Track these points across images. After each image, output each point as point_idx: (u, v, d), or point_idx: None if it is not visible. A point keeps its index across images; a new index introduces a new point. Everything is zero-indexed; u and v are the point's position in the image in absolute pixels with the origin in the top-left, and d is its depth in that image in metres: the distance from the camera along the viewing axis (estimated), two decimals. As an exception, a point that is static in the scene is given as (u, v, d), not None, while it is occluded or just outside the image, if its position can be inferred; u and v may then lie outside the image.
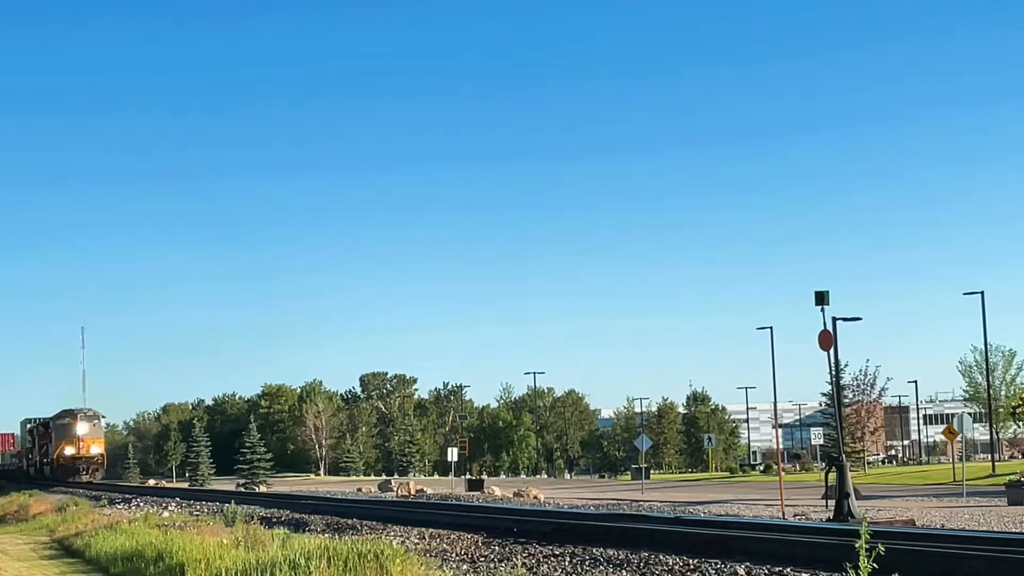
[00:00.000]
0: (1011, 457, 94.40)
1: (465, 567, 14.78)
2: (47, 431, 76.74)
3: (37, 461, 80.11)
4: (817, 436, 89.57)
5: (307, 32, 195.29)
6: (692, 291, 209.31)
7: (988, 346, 78.80)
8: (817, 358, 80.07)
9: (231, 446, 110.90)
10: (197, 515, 28.44)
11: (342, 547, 13.63)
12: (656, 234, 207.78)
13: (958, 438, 51.34)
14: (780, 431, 59.77)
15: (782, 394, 74.69)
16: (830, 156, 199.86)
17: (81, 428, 73.01)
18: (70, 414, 74.44)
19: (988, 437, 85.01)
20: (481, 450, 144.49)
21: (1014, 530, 26.23)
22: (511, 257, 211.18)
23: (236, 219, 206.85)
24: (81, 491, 50.66)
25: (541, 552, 15.87)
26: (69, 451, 72.26)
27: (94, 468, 73.51)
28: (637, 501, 44.71)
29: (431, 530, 20.03)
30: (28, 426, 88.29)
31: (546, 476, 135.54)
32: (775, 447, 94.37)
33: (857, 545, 8.51)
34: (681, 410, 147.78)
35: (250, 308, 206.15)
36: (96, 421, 75.70)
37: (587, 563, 14.49)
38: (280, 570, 12.89)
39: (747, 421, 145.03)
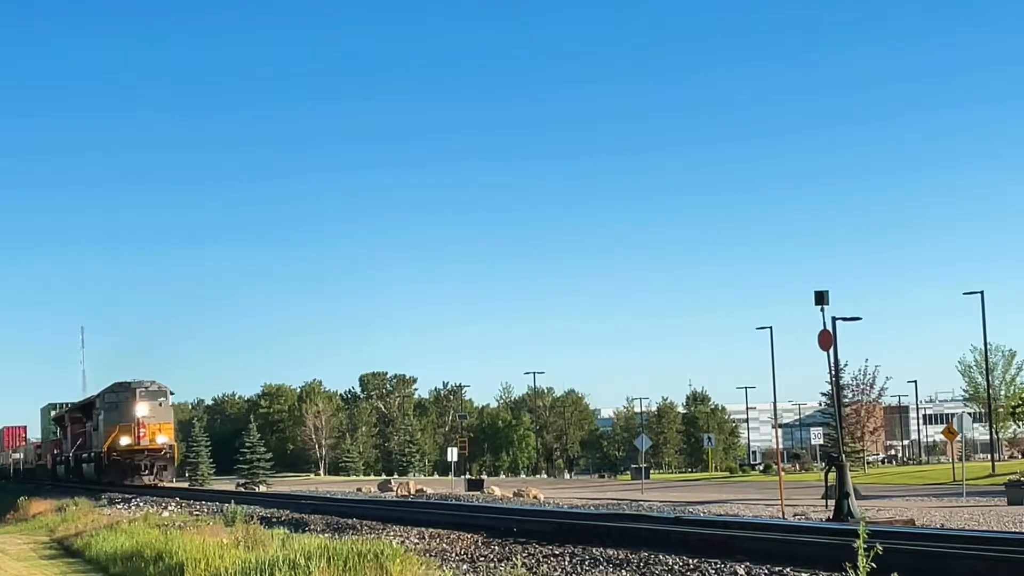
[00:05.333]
0: (1011, 457, 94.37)
1: (465, 567, 14.78)
2: (87, 416, 58.07)
3: (69, 457, 61.87)
4: (817, 436, 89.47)
5: (306, 31, 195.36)
6: (692, 291, 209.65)
7: (988, 346, 78.94)
8: (817, 358, 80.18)
9: (231, 446, 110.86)
10: (197, 515, 28.45)
11: (342, 547, 13.64)
12: (656, 234, 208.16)
13: (958, 438, 51.37)
14: (780, 431, 59.78)
15: (782, 394, 74.69)
16: (830, 156, 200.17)
17: (141, 409, 52.38)
18: (125, 389, 53.42)
19: (988, 437, 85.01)
20: (481, 450, 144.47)
21: (1014, 530, 26.23)
22: (511, 257, 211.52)
23: (235, 220, 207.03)
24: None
25: (541, 552, 15.87)
26: (125, 441, 52.13)
27: (160, 465, 53.23)
28: (637, 501, 44.71)
29: (431, 530, 20.03)
30: (53, 413, 71.14)
31: (546, 476, 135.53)
32: (775, 447, 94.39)
33: (856, 545, 8.52)
34: (681, 410, 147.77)
35: (250, 308, 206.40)
36: (163, 398, 54.08)
37: (587, 563, 14.49)
38: (280, 570, 12.89)
39: (747, 421, 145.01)
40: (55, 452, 68.09)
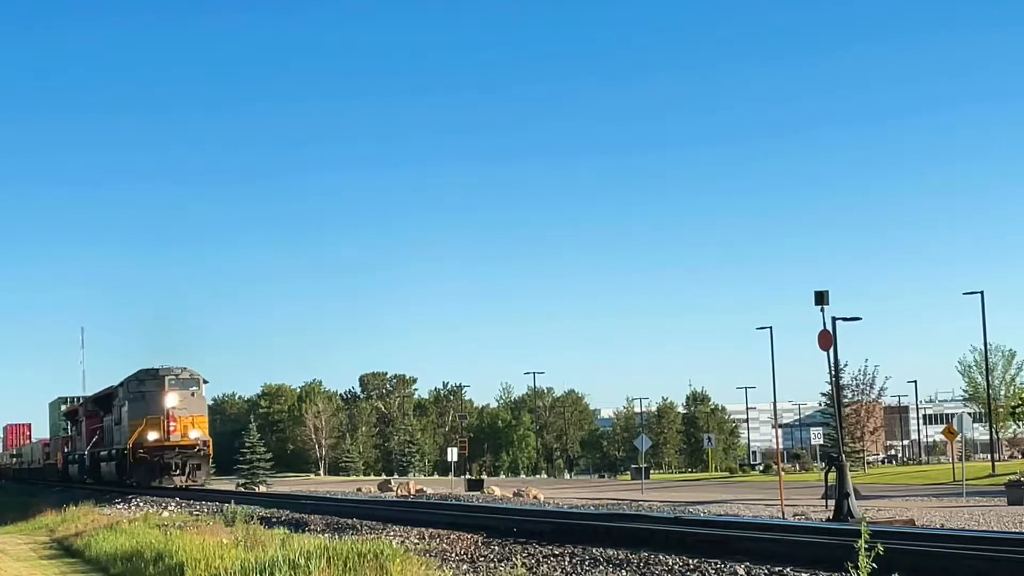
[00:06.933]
0: (1011, 457, 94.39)
1: (465, 567, 14.78)
2: (106, 409, 51.96)
3: (85, 456, 55.90)
4: (817, 436, 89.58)
5: (309, 31, 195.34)
6: (692, 291, 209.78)
7: (988, 346, 79.02)
8: (817, 358, 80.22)
9: (231, 446, 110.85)
10: (197, 515, 28.43)
11: (342, 547, 13.64)
12: (655, 234, 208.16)
13: (958, 438, 51.37)
14: (780, 431, 59.79)
15: (782, 394, 74.74)
16: (830, 156, 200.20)
17: (171, 399, 45.78)
18: (152, 377, 46.69)
19: (988, 437, 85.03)
20: (481, 450, 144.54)
21: (1014, 530, 26.24)
22: (511, 257, 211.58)
23: (235, 220, 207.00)
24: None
25: (541, 552, 15.86)
26: (153, 436, 45.57)
27: (194, 464, 46.55)
28: (637, 501, 44.72)
29: (431, 530, 20.02)
30: (64, 407, 66.14)
31: (546, 476, 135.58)
32: (775, 447, 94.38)
33: (857, 545, 8.52)
34: (681, 410, 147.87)
35: (250, 308, 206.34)
36: (195, 387, 47.49)
37: (587, 563, 14.49)
38: (280, 570, 12.89)
39: (747, 421, 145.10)
40: (66, 450, 63.01)
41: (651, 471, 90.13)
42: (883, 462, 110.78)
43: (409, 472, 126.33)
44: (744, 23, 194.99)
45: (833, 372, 38.90)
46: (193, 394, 47.00)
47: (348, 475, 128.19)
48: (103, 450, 51.97)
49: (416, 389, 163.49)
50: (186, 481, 45.76)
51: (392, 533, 19.72)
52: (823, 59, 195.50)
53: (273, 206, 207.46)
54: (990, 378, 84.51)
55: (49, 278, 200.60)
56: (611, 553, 15.06)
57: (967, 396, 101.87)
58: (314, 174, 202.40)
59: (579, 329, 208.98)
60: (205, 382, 48.35)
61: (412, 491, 58.59)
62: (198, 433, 46.36)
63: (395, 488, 63.20)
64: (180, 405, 45.98)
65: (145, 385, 46.55)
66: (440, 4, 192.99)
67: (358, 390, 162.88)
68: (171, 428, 45.62)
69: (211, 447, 47.67)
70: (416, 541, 18.20)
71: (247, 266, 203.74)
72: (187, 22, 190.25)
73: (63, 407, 67.01)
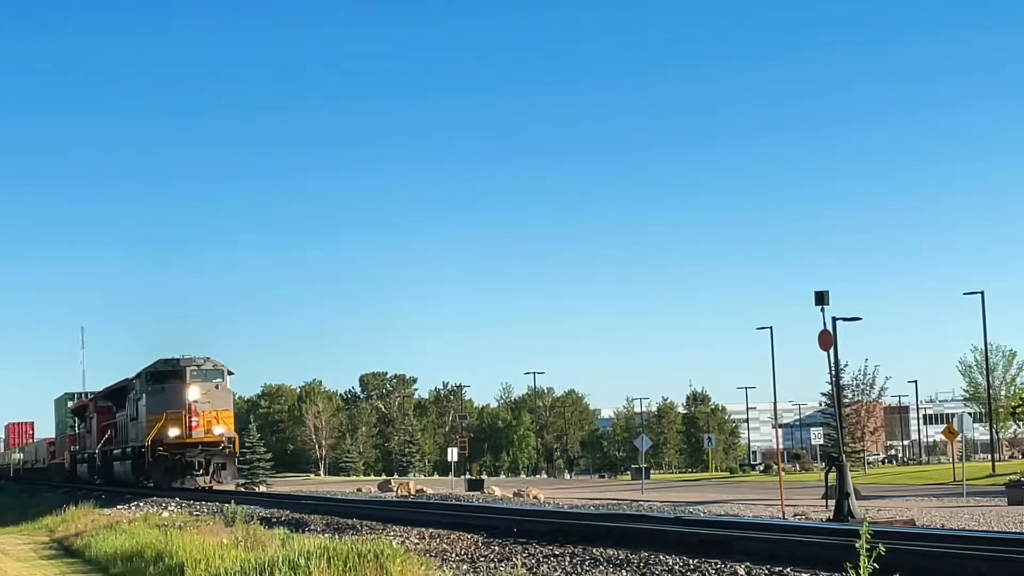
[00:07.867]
0: (1011, 457, 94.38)
1: (465, 567, 14.78)
2: (120, 404, 48.59)
3: (95, 455, 52.57)
4: (817, 436, 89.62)
5: (315, 32, 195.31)
6: (692, 291, 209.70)
7: (988, 346, 79.07)
8: (817, 358, 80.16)
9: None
10: (197, 515, 28.43)
11: (342, 547, 13.64)
12: (656, 234, 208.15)
13: (958, 438, 51.36)
14: (780, 431, 59.78)
15: (782, 394, 74.78)
16: (830, 156, 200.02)
17: (194, 392, 42.19)
18: (172, 368, 43.05)
19: (988, 437, 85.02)
20: (481, 450, 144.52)
21: (1014, 530, 26.25)
22: (511, 257, 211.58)
23: (235, 219, 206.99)
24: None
25: (541, 552, 15.86)
26: (173, 433, 41.96)
27: (218, 463, 43.17)
28: (637, 501, 44.71)
29: (431, 530, 20.01)
30: (70, 403, 63.46)
31: (546, 476, 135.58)
32: (775, 447, 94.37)
33: (857, 545, 8.51)
34: (681, 410, 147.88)
35: (249, 308, 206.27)
36: (220, 380, 43.64)
37: (587, 563, 14.49)
38: (280, 570, 12.89)
39: (747, 421, 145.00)
40: (73, 448, 59.97)
41: (651, 471, 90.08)
42: (883, 462, 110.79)
43: (409, 472, 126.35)
44: (744, 23, 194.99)
45: (833, 372, 38.91)
46: (217, 387, 43.32)
47: (348, 475, 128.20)
48: (116, 448, 48.74)
49: (416, 389, 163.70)
50: (210, 481, 42.75)
51: (392, 533, 19.71)
52: (823, 59, 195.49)
53: (273, 207, 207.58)
54: (990, 378, 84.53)
55: (49, 278, 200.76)
56: (611, 553, 15.06)
57: (967, 396, 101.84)
58: (314, 175, 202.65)
59: (579, 329, 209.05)
60: (230, 373, 44.66)
61: (412, 491, 58.56)
62: (223, 429, 42.77)
63: (395, 488, 63.18)
64: (203, 399, 42.36)
65: (164, 377, 43.05)
66: (440, 4, 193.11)
67: (358, 390, 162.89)
68: (193, 424, 42.09)
69: (237, 444, 44.40)
70: (416, 541, 18.20)
71: (247, 266, 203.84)
72: (189, 23, 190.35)
73: (70, 403, 64.70)
